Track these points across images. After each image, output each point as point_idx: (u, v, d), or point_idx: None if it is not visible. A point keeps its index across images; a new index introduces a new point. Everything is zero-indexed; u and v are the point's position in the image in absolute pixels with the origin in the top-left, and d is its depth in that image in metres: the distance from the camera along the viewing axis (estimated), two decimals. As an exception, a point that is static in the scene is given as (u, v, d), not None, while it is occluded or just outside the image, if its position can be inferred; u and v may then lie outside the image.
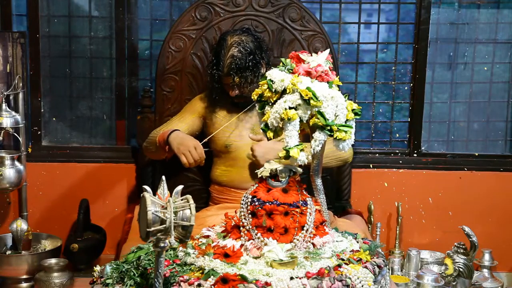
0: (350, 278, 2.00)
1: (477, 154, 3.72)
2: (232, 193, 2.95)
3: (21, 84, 3.34)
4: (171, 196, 1.89)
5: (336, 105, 2.18)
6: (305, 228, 2.15)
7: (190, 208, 1.85)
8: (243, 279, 1.93)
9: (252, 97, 2.30)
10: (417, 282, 3.06)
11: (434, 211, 3.67)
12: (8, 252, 3.26)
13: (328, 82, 2.24)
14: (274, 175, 2.20)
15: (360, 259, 2.12)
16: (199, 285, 1.95)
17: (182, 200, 1.88)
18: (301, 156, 2.14)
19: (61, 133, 3.69)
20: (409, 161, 3.68)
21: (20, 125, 3.26)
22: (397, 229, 3.56)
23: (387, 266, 2.31)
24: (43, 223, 3.57)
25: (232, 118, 2.93)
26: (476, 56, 3.76)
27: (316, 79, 2.23)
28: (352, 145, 2.24)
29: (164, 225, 1.81)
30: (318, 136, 2.17)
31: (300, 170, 2.23)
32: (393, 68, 3.69)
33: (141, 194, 1.84)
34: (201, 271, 2.01)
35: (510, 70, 3.78)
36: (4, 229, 3.49)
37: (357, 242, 2.29)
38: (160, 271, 1.87)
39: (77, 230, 3.35)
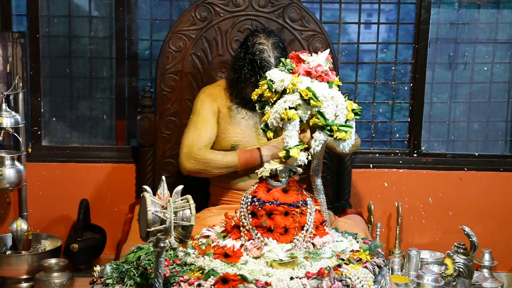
0: (350, 278, 2.00)
1: (477, 154, 3.71)
2: (232, 194, 2.94)
3: (21, 84, 3.34)
4: (171, 196, 1.89)
5: (336, 105, 2.18)
6: (305, 228, 2.15)
7: (190, 208, 1.85)
8: (243, 279, 1.93)
9: (252, 97, 2.30)
10: (417, 282, 3.06)
11: (434, 211, 3.67)
12: (8, 252, 3.26)
13: (328, 82, 2.24)
14: (274, 175, 2.21)
15: (360, 259, 2.12)
16: (199, 285, 1.95)
17: (182, 200, 1.88)
18: (301, 156, 2.14)
19: (61, 133, 3.69)
20: (409, 161, 3.68)
21: (20, 125, 3.26)
22: (397, 229, 3.55)
23: (387, 266, 2.31)
24: (43, 223, 3.57)
25: (240, 115, 2.92)
26: (476, 56, 3.76)
27: (316, 79, 2.23)
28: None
29: (164, 225, 1.81)
30: (318, 136, 2.17)
31: (300, 170, 2.23)
32: (393, 68, 3.69)
33: (141, 194, 1.84)
34: (201, 271, 2.01)
35: (510, 70, 3.77)
36: (4, 229, 3.49)
37: (357, 242, 2.29)
38: (160, 271, 1.87)
39: (77, 230, 3.34)
